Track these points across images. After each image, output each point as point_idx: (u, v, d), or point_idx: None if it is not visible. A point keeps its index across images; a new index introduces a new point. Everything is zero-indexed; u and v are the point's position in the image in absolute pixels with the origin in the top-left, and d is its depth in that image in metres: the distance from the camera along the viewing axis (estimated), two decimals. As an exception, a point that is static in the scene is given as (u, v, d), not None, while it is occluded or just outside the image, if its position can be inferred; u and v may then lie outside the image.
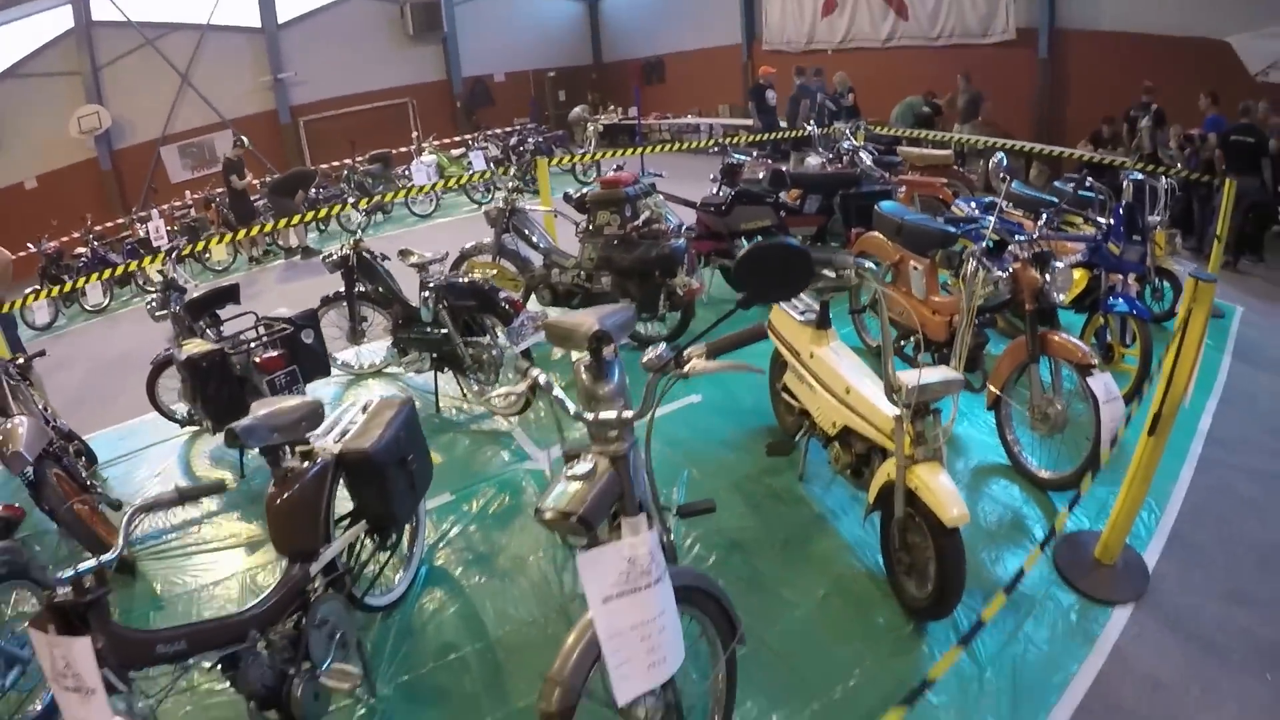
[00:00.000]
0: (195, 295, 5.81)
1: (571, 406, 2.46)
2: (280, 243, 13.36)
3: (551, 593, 3.78)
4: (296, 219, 10.89)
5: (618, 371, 2.75)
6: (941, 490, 2.95)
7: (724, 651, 2.56)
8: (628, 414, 2.41)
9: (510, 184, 7.48)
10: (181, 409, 6.05)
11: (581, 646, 2.13)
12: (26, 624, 2.11)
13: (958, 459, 4.71)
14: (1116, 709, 3.00)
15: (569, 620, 3.43)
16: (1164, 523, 4.05)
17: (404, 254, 5.94)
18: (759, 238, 7.11)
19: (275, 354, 4.98)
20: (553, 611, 3.64)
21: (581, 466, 2.39)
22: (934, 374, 3.06)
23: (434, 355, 5.78)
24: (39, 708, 3.55)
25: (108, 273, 9.76)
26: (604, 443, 2.46)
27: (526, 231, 7.06)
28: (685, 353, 2.45)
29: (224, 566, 4.45)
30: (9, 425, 4.47)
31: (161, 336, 6.75)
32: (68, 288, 9.56)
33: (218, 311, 5.84)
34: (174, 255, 6.63)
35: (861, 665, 3.14)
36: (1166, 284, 6.42)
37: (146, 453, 6.23)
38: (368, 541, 3.52)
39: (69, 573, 2.14)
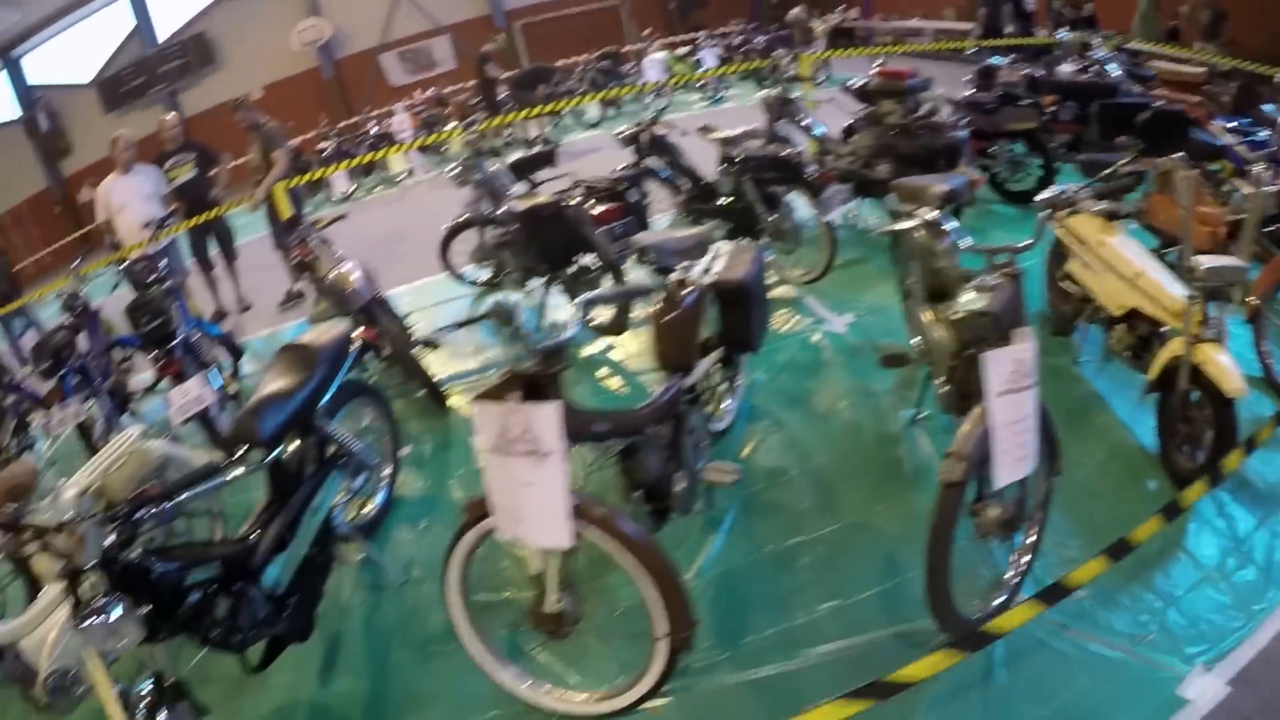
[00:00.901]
0: (516, 158, 6.14)
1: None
2: (519, 134, 14.04)
3: (864, 431, 3.86)
4: (537, 110, 11.42)
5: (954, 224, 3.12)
6: (1224, 366, 3.06)
7: (1048, 477, 2.81)
8: (1025, 242, 2.81)
9: (786, 74, 7.58)
10: (471, 270, 6.52)
11: (977, 432, 2.41)
12: (473, 399, 2.26)
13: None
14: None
15: (885, 454, 3.63)
16: None
17: (705, 129, 6.11)
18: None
19: (611, 206, 5.26)
20: (868, 447, 3.74)
21: (990, 279, 2.69)
22: (1225, 260, 3.19)
23: (730, 226, 5.92)
24: (372, 511, 3.98)
25: (352, 162, 10.46)
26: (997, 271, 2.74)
27: (799, 119, 7.18)
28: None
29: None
30: (343, 269, 4.93)
31: (403, 214, 6.95)
32: (315, 175, 10.26)
33: (533, 175, 6.13)
34: (473, 129, 6.91)
35: (1138, 519, 3.19)
36: None
37: (433, 310, 6.74)
38: (714, 371, 3.75)
39: (535, 346, 2.36)
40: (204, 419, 4.61)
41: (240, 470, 2.86)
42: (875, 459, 3.60)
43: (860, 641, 2.69)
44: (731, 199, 5.71)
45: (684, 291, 3.10)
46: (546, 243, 5.01)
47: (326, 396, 3.36)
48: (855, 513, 3.29)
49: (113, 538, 2.36)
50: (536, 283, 5.64)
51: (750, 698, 2.56)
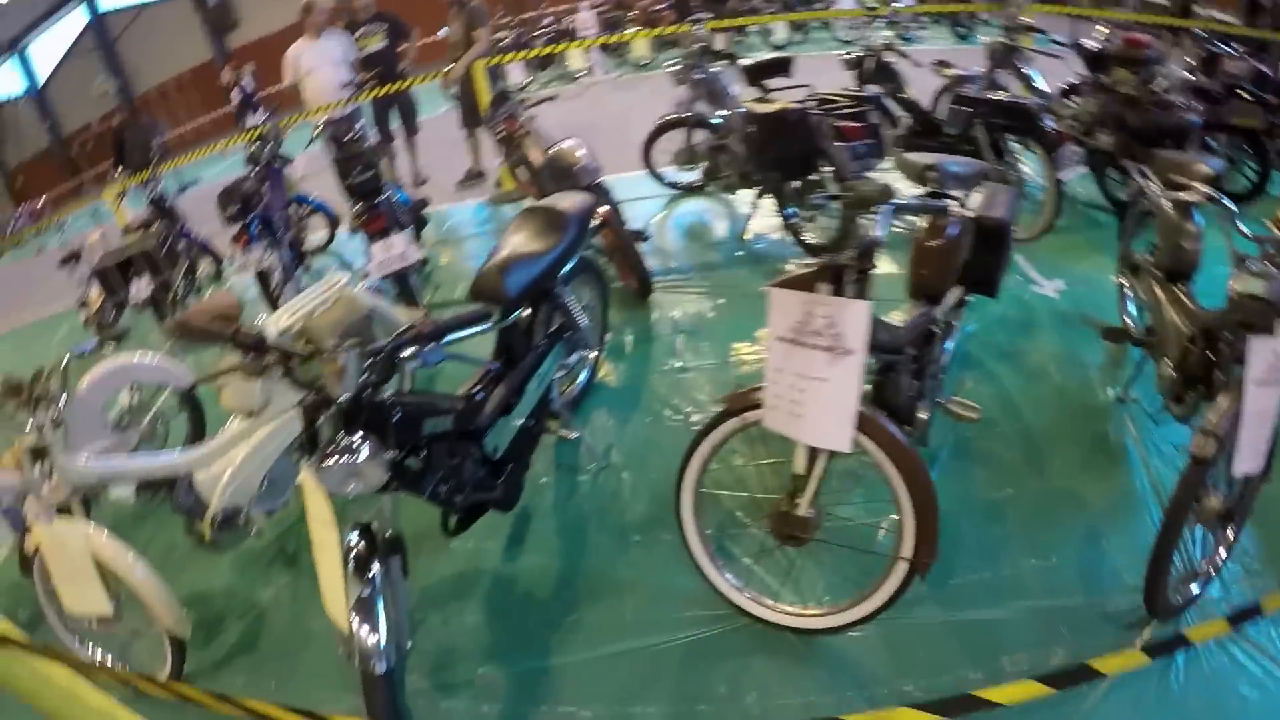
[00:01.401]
0: (751, 63, 5.72)
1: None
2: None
3: (1072, 399, 3.61)
4: (724, 22, 10.66)
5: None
6: None
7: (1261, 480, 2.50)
8: None
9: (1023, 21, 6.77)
10: (672, 172, 6.09)
11: (1230, 414, 2.26)
12: (770, 286, 2.13)
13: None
14: None
15: (1093, 427, 3.40)
16: None
17: (941, 64, 5.52)
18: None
19: (859, 124, 4.82)
20: (1076, 416, 3.48)
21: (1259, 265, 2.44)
22: None
23: None
24: (574, 391, 3.77)
25: (535, 52, 10.09)
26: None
27: (1025, 71, 6.42)
28: None
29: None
30: (566, 145, 4.70)
31: (586, 111, 6.70)
32: (506, 59, 9.93)
33: (764, 82, 5.71)
34: (700, 27, 6.53)
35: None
36: None
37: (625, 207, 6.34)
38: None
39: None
40: (399, 278, 4.50)
41: (484, 325, 2.68)
42: (1083, 429, 3.38)
43: (1058, 605, 2.55)
44: (957, 139, 5.08)
45: (949, 220, 2.87)
46: (782, 152, 4.66)
47: (570, 264, 3.26)
48: (1062, 478, 3.13)
49: (368, 375, 2.14)
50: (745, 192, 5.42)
51: (951, 639, 2.47)
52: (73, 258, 6.89)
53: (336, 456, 2.02)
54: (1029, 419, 3.47)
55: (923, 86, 5.72)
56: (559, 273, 3.19)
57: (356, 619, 2.08)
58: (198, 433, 4.23)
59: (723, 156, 5.52)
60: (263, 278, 5.25)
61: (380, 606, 2.11)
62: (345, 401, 2.06)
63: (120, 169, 8.33)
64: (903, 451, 2.17)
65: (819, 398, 2.08)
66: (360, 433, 2.07)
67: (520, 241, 3.07)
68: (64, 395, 2.88)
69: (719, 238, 5.70)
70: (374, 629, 2.08)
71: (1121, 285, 3.76)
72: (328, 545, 2.05)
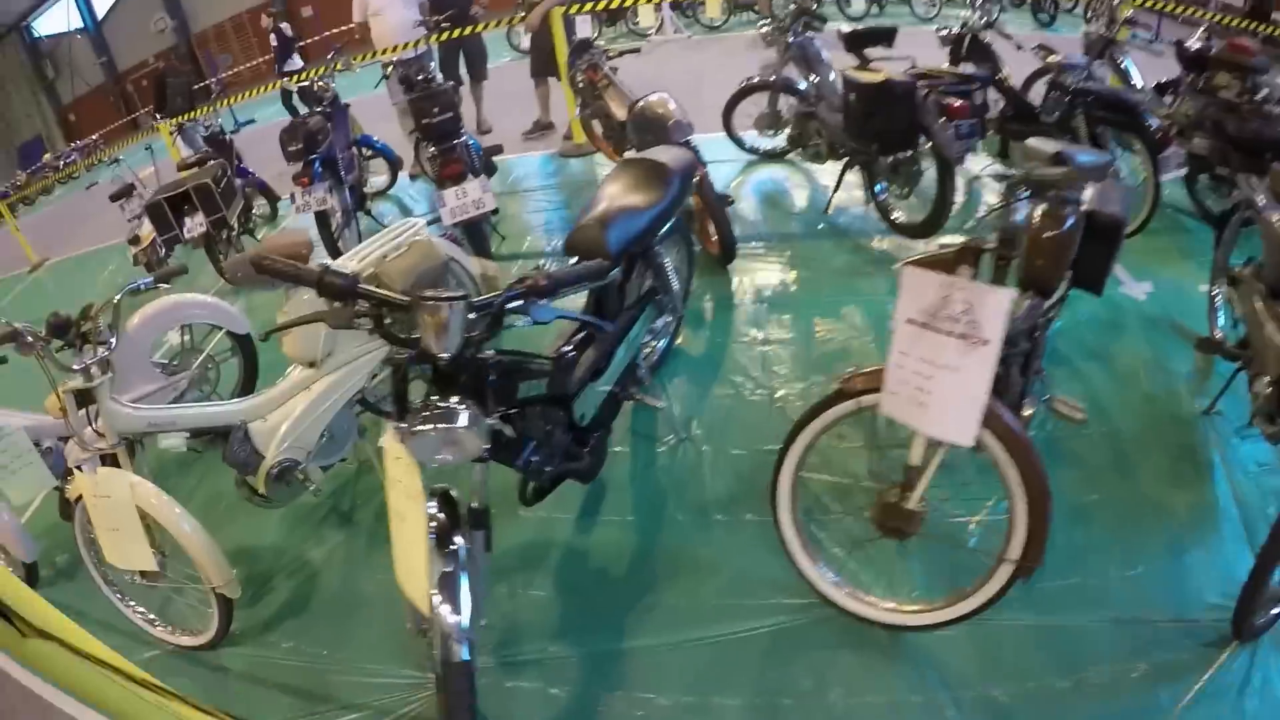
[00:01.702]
0: (852, 30, 5.37)
1: None
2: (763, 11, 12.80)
3: (1160, 408, 3.38)
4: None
5: None
6: None
7: None
8: None
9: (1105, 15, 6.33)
10: (752, 136, 5.81)
11: None
12: (905, 264, 2.01)
13: None
14: None
15: (1180, 438, 3.16)
16: None
17: (1043, 49, 5.13)
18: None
19: (964, 103, 4.48)
20: (1163, 425, 3.25)
21: None
22: None
23: None
24: (653, 357, 3.50)
25: (609, 3, 9.68)
26: None
27: (1122, 65, 6.01)
28: None
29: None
30: (656, 98, 4.44)
31: (656, 68, 6.41)
32: (585, 8, 9.60)
33: (865, 50, 5.38)
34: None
35: None
36: None
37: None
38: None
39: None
40: (472, 227, 4.27)
41: (600, 282, 2.42)
42: (1169, 439, 3.19)
43: (1142, 618, 2.42)
44: (1052, 128, 4.74)
45: (1067, 211, 2.67)
46: (884, 124, 4.37)
47: (670, 221, 3.00)
48: (1149, 487, 2.96)
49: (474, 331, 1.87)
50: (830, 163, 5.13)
51: (1037, 644, 2.35)
52: (125, 193, 6.77)
53: (433, 422, 1.78)
54: (1116, 423, 3.27)
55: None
56: (660, 230, 2.96)
57: (437, 598, 1.86)
58: (250, 379, 4.04)
59: (811, 124, 5.23)
60: (323, 219, 5.04)
61: (464, 585, 1.90)
62: (446, 360, 1.81)
63: (160, 114, 8.26)
64: (1025, 450, 2.04)
65: (947, 387, 1.96)
66: (457, 396, 1.83)
67: (621, 194, 2.82)
68: (115, 336, 2.67)
69: (798, 207, 5.41)
70: (455, 609, 1.86)
71: (1213, 296, 3.53)
72: (413, 519, 1.80)
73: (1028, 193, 2.13)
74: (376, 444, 3.46)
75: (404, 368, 1.91)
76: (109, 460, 2.72)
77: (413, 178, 6.89)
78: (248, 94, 9.75)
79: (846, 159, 4.91)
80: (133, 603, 2.99)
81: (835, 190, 5.08)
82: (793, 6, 5.53)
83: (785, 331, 3.96)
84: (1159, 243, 4.67)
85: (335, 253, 4.90)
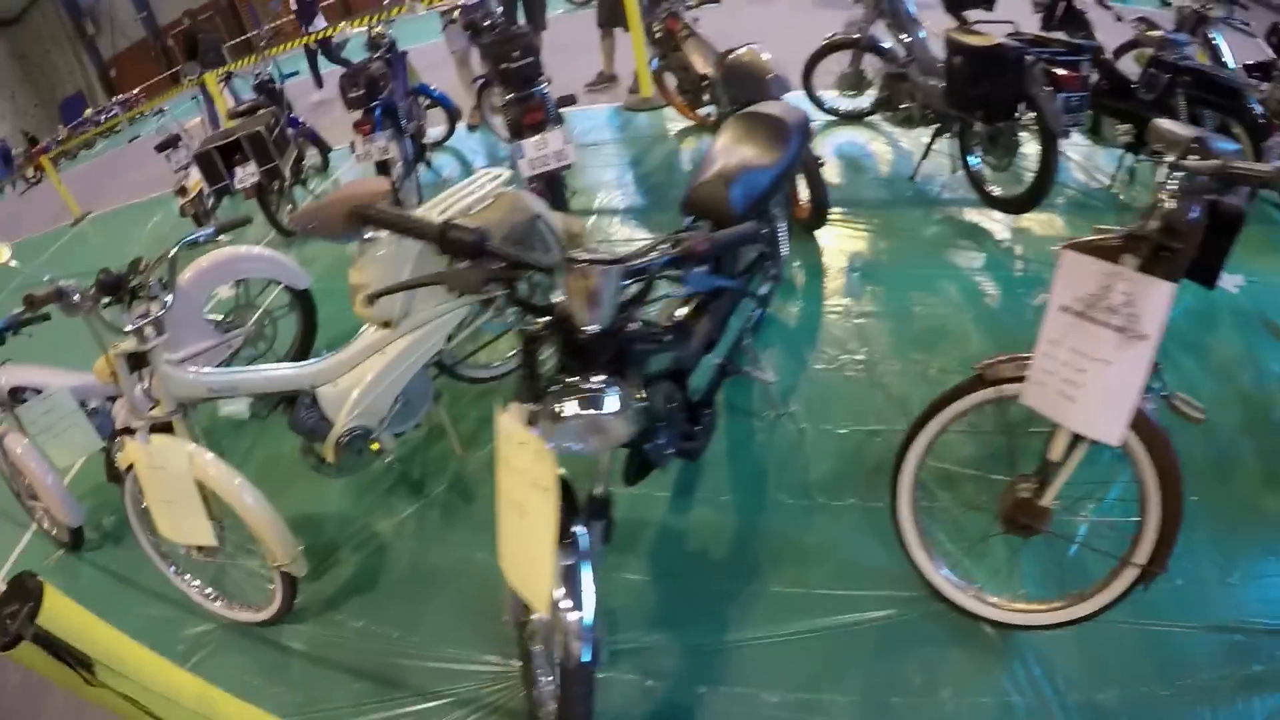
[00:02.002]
0: None
1: None
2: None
3: (1255, 408, 3.13)
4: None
5: None
6: None
7: None
8: None
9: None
10: (833, 97, 5.49)
11: None
12: (1059, 247, 1.88)
13: None
14: None
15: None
16: None
17: (1143, 22, 4.73)
18: None
19: (1070, 73, 4.14)
20: (1259, 428, 3.00)
21: None
22: None
23: (1132, 129, 4.62)
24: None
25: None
26: None
27: (1215, 43, 5.55)
28: None
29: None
30: (750, 49, 4.15)
31: (717, 23, 6.03)
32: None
33: (964, 13, 5.02)
34: None
35: None
36: None
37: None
38: None
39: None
40: (550, 180, 4.01)
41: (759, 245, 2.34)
42: (1265, 442, 2.94)
43: (1242, 626, 2.25)
44: (1149, 106, 4.35)
45: (1192, 201, 2.28)
46: (988, 91, 4.08)
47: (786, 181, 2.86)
48: (1247, 491, 2.75)
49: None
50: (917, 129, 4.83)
51: (1142, 649, 2.21)
52: (171, 143, 6.57)
53: (581, 406, 1.56)
54: (1212, 421, 3.03)
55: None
56: (781, 188, 2.75)
57: (560, 593, 1.62)
58: (307, 337, 3.83)
59: (902, 86, 4.88)
60: (383, 170, 4.82)
61: (585, 579, 1.65)
62: (594, 333, 1.56)
63: (193, 69, 8.08)
64: (1167, 454, 1.96)
65: (1098, 381, 1.88)
66: (600, 375, 1.60)
67: (741, 151, 2.57)
68: (170, 293, 2.45)
69: (883, 173, 5.07)
70: (577, 605, 1.62)
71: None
72: (538, 512, 1.54)
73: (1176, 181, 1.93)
74: (448, 410, 3.28)
75: (536, 340, 1.64)
76: (163, 429, 2.49)
77: (470, 128, 6.64)
78: (283, 47, 9.47)
79: (938, 125, 4.61)
80: (187, 576, 2.80)
81: (924, 157, 4.77)
82: None
83: (878, 304, 3.70)
84: (1252, 234, 4.29)
85: (395, 205, 4.65)
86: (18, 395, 3.18)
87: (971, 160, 4.36)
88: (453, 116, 6.20)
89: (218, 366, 3.09)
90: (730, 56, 4.13)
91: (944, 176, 4.71)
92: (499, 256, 1.55)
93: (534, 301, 1.63)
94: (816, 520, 2.65)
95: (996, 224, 4.22)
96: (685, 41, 4.89)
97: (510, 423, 1.58)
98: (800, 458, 2.88)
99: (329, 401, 2.60)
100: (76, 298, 2.33)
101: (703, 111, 5.46)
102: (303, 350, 3.80)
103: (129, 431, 3.27)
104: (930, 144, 4.71)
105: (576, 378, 1.59)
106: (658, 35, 5.16)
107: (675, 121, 5.86)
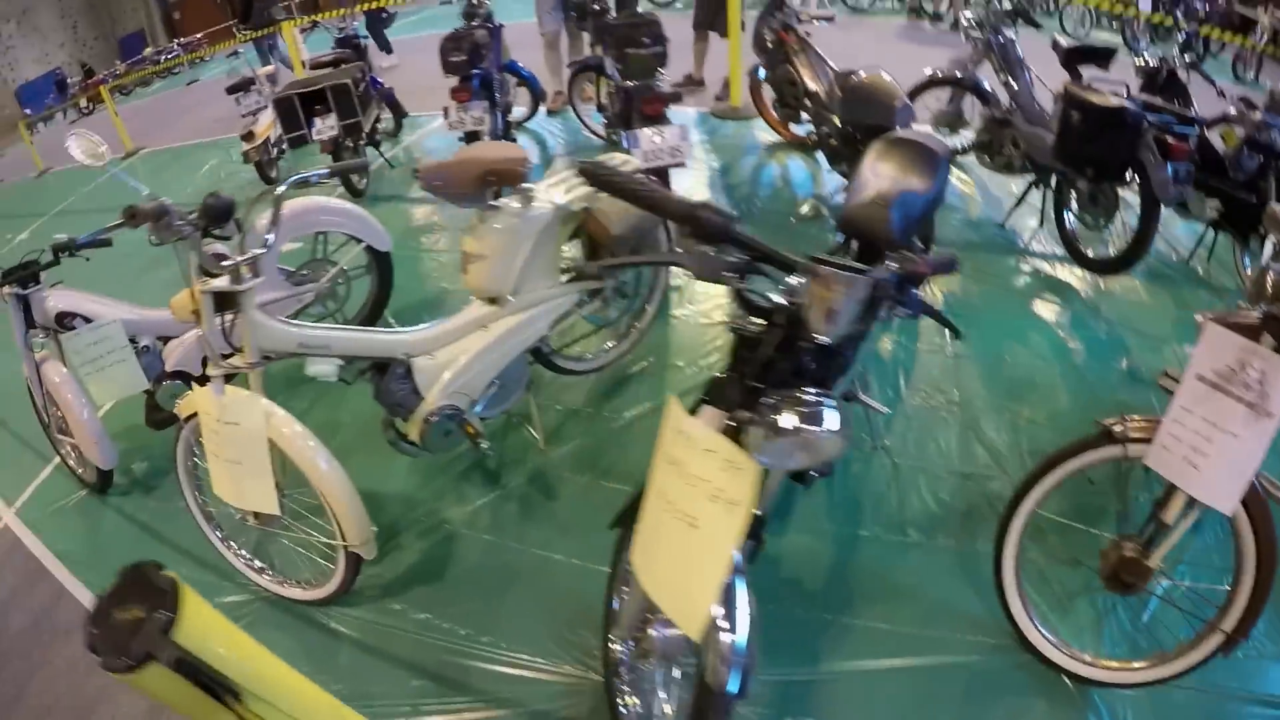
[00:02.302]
0: (1073, 45, 4.82)
1: None
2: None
3: None
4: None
5: None
6: None
7: None
8: None
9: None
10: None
11: None
12: (1203, 319, 1.92)
13: None
14: None
15: None
16: None
17: (1244, 102, 4.53)
18: None
19: (1181, 144, 3.97)
20: None
21: None
22: None
23: (1221, 214, 4.48)
24: None
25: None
26: None
27: None
28: None
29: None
30: (875, 72, 4.11)
31: None
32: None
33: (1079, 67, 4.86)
34: None
35: None
36: None
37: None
38: None
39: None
40: (662, 175, 3.81)
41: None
42: None
43: None
44: (1240, 186, 4.19)
45: None
46: (1102, 149, 3.94)
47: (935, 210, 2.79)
48: None
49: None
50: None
51: (1206, 716, 2.15)
52: (242, 86, 6.41)
53: (800, 419, 1.39)
54: None
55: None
56: (930, 218, 2.71)
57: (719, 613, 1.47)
58: (380, 302, 3.66)
59: (1005, 132, 4.72)
60: (472, 139, 4.64)
61: (740, 599, 1.51)
62: (827, 344, 1.46)
63: (242, 26, 8.08)
64: (1268, 527, 2.01)
65: (1223, 453, 1.92)
66: (812, 388, 1.46)
67: (896, 174, 2.50)
68: (273, 233, 2.26)
69: (972, 215, 4.91)
70: (732, 628, 1.48)
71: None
72: (715, 528, 1.39)
73: None
74: (537, 400, 3.09)
75: (754, 344, 1.49)
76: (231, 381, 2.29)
77: (550, 113, 6.46)
78: (359, 6, 9.32)
79: (1034, 176, 4.48)
80: (232, 542, 2.60)
81: (1016, 205, 4.64)
82: (1007, 4, 4.99)
83: (970, 347, 3.57)
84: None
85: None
86: (65, 321, 2.99)
87: (1066, 215, 4.25)
88: (537, 98, 6.04)
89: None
90: (854, 77, 4.01)
91: (1032, 227, 4.57)
92: (746, 245, 1.45)
93: (758, 301, 1.49)
94: (910, 558, 2.57)
95: (1082, 282, 4.11)
96: (797, 55, 4.73)
97: (698, 427, 1.42)
98: (895, 493, 2.79)
99: (424, 374, 2.41)
100: (180, 221, 2.15)
101: (796, 128, 5.28)
102: (372, 316, 3.63)
103: (179, 376, 3.10)
104: (1024, 194, 4.59)
105: (793, 388, 1.44)
106: (770, 45, 4.98)
107: (765, 133, 5.67)
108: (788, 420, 1.38)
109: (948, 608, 2.39)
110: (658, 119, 3.82)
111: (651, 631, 1.70)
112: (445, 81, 4.95)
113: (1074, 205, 4.26)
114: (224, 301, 2.17)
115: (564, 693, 2.17)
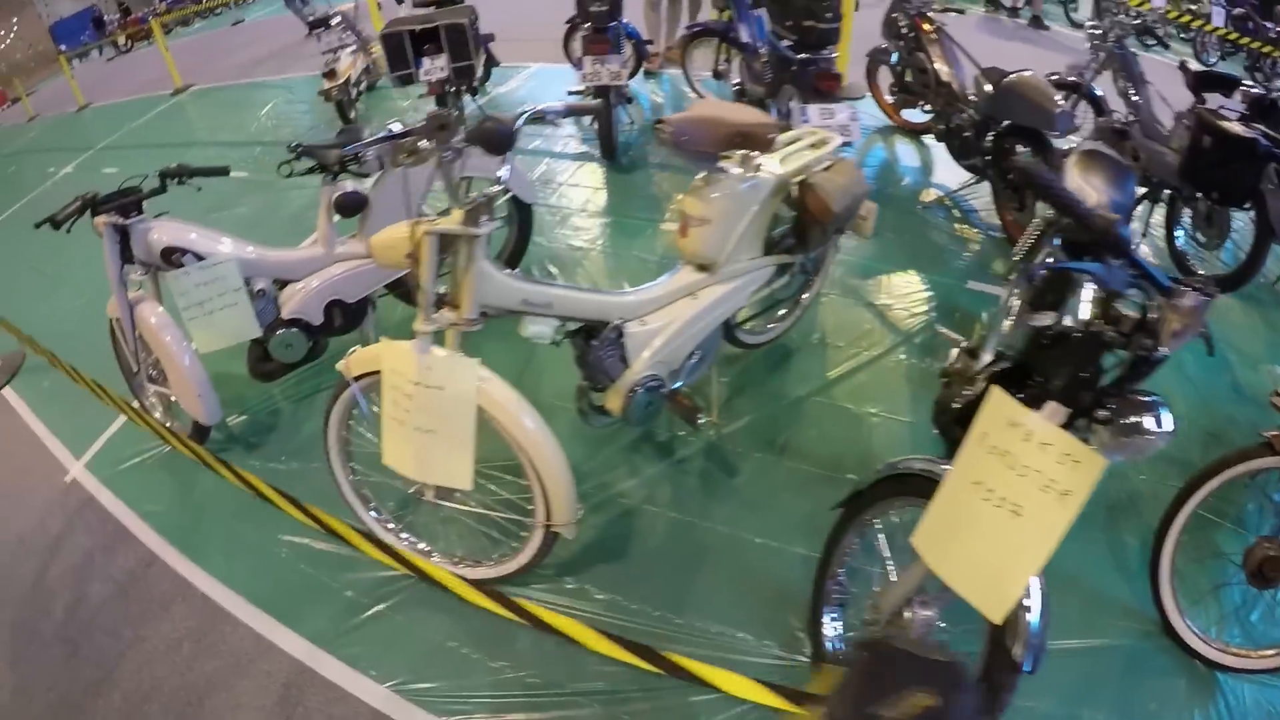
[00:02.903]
0: (1202, 70, 4.66)
1: None
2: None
3: None
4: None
5: None
6: None
7: None
8: None
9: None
10: None
11: None
12: None
13: None
14: None
15: None
16: None
17: None
18: None
19: None
20: None
21: None
22: None
23: None
24: None
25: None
26: None
27: None
28: None
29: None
30: (1033, 75, 4.01)
31: None
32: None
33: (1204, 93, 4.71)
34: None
35: None
36: None
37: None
38: None
39: None
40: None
41: None
42: None
43: None
44: None
45: None
46: (1230, 174, 3.94)
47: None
48: None
49: None
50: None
51: None
52: (323, 22, 6.16)
53: (1154, 422, 1.50)
54: None
55: None
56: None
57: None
58: (515, 256, 3.49)
59: (1123, 144, 4.54)
60: (599, 95, 4.41)
61: (1034, 582, 1.59)
62: (1161, 358, 1.54)
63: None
64: None
65: None
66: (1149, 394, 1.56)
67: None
68: (507, 168, 2.06)
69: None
70: (1031, 610, 1.56)
71: None
72: (1051, 519, 1.50)
73: None
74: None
75: (1104, 347, 1.57)
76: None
77: (648, 74, 6.23)
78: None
79: (1146, 190, 4.39)
80: (385, 518, 2.43)
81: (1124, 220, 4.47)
82: (1139, 19, 4.85)
83: None
84: None
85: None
86: (170, 257, 2.68)
87: (1177, 233, 4.24)
88: (641, 58, 5.80)
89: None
90: (1011, 76, 3.96)
91: (1135, 240, 4.43)
92: (1127, 255, 1.61)
93: (1127, 311, 1.55)
94: (1066, 547, 2.43)
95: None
96: (932, 44, 4.56)
97: (1037, 420, 1.51)
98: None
99: (634, 340, 2.23)
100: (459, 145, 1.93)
101: (909, 114, 5.11)
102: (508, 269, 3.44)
103: (295, 324, 2.85)
104: (1135, 203, 4.39)
105: (1130, 391, 1.56)
106: (903, 31, 4.81)
107: (873, 118, 5.46)
108: (1149, 423, 1.48)
109: (1104, 595, 2.44)
110: (831, 95, 3.65)
111: (907, 613, 1.72)
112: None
113: (1187, 223, 4.23)
114: (449, 245, 1.96)
115: (771, 670, 2.07)
